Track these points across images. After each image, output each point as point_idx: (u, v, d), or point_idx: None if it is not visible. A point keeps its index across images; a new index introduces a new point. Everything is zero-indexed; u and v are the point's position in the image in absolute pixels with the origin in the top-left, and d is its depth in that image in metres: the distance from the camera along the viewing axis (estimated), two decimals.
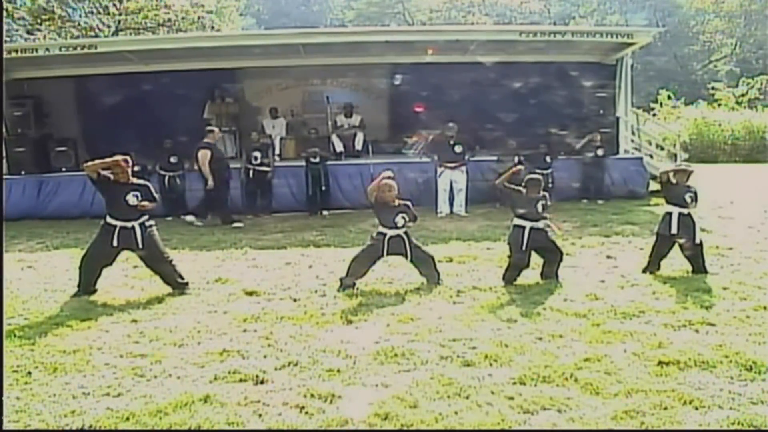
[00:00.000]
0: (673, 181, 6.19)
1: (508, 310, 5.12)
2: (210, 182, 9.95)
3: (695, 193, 6.12)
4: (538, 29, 14.21)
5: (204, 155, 9.95)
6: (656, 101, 24.90)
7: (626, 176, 12.24)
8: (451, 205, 10.76)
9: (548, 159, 11.41)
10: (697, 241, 6.09)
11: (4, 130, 11.50)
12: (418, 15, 36.09)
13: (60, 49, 11.45)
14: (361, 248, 6.08)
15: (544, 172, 10.83)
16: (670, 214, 6.10)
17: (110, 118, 12.44)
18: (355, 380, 3.82)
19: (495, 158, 11.59)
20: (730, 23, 35.39)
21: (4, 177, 10.95)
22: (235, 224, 10.03)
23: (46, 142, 11.89)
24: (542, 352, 4.19)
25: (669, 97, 24.88)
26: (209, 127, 10.31)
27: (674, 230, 6.03)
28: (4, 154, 11.44)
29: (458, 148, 10.69)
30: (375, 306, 5.28)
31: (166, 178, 11.13)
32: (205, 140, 10.17)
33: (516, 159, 10.97)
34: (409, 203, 6.02)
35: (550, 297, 5.45)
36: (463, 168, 10.76)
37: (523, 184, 6.06)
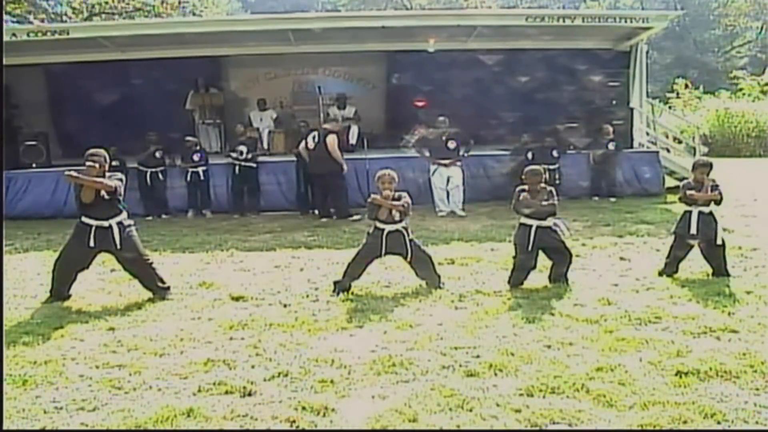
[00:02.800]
0: (691, 179, 6.20)
1: (513, 315, 5.12)
2: (345, 167, 10.37)
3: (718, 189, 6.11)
4: (546, 14, 14.22)
5: (333, 140, 10.28)
6: (672, 90, 24.93)
7: (640, 172, 12.26)
8: (448, 203, 10.83)
9: (555, 153, 11.46)
10: (719, 242, 6.10)
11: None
12: None
13: (28, 35, 11.40)
14: (357, 249, 6.08)
15: (551, 167, 10.92)
16: (689, 212, 6.11)
17: (84, 110, 12.45)
18: (350, 392, 3.82)
19: (507, 152, 11.67)
20: (755, 4, 35.31)
21: None
22: (354, 218, 10.16)
23: (14, 136, 11.85)
24: (551, 361, 4.19)
25: (686, 86, 24.91)
26: (332, 116, 10.54)
27: (694, 230, 6.04)
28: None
29: (452, 144, 10.65)
30: (371, 312, 5.28)
31: (148, 174, 11.12)
32: (326, 126, 10.57)
33: (530, 155, 11.01)
34: (403, 193, 5.99)
35: (560, 302, 5.46)
36: (458, 164, 10.73)
37: (522, 177, 6.07)
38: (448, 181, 10.67)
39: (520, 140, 11.64)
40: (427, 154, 10.81)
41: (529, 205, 5.90)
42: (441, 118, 10.72)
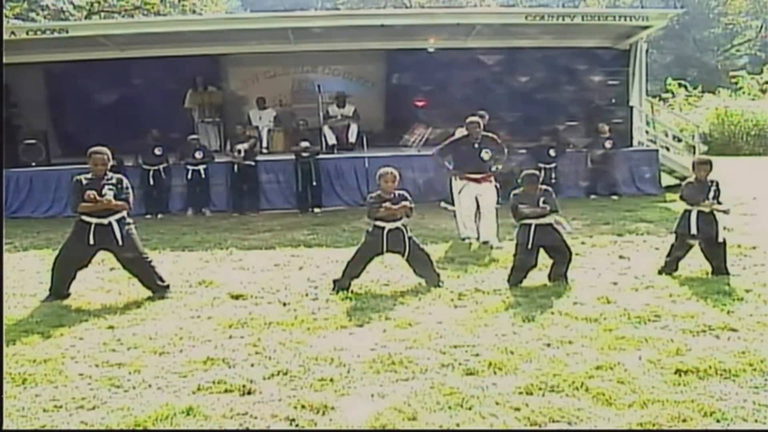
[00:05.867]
0: (692, 179, 6.22)
1: (513, 314, 5.13)
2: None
3: (718, 188, 6.11)
4: (546, 12, 14.25)
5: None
6: (667, 91, 24.92)
7: (639, 170, 12.30)
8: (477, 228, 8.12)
9: (551, 153, 11.48)
10: (720, 240, 6.10)
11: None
12: None
13: (27, 33, 11.40)
14: (356, 247, 6.09)
15: (548, 166, 10.95)
16: (689, 212, 6.10)
17: (84, 109, 12.44)
18: (350, 390, 3.82)
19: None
20: (755, 3, 35.25)
21: None
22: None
23: (13, 135, 11.83)
24: (550, 359, 4.20)
25: (680, 85, 24.89)
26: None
27: (694, 230, 6.04)
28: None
29: (486, 154, 7.92)
30: (371, 310, 5.28)
31: (150, 172, 11.12)
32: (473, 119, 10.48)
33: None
34: (405, 193, 6.01)
35: (559, 300, 5.46)
36: (492, 180, 8.03)
37: (519, 180, 6.09)
38: (477, 202, 7.98)
39: (517, 140, 11.69)
40: (447, 162, 8.32)
41: (526, 212, 5.92)
42: (474, 119, 8.10)
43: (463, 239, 7.97)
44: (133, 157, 11.19)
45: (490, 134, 8.16)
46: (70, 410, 3.62)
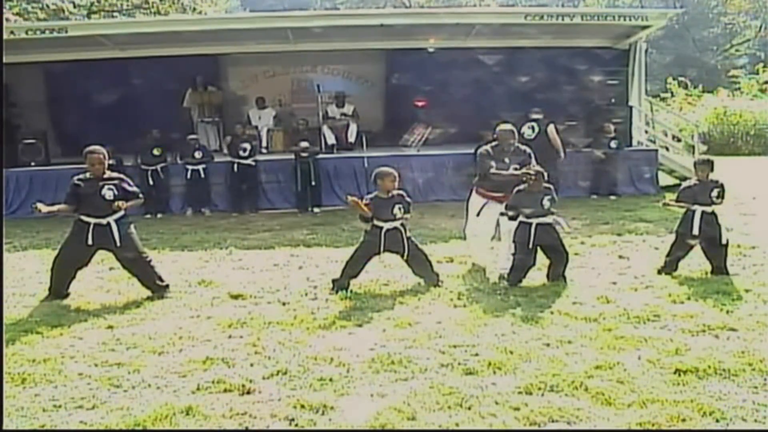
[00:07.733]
0: (694, 179, 6.22)
1: (512, 313, 5.12)
2: (563, 156, 10.85)
3: (722, 188, 6.11)
4: (545, 12, 14.24)
5: (553, 129, 10.69)
6: (666, 90, 24.92)
7: (638, 170, 12.28)
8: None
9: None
10: (723, 242, 6.09)
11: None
12: None
13: (27, 33, 11.39)
14: (355, 247, 6.09)
15: None
16: (692, 212, 6.09)
17: (83, 108, 12.44)
18: (349, 390, 3.82)
19: None
20: (755, 3, 35.24)
21: None
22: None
23: (12, 135, 11.83)
24: (550, 359, 4.20)
25: (679, 85, 24.90)
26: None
27: (696, 230, 6.03)
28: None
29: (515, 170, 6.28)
30: (370, 310, 5.28)
31: (149, 172, 11.12)
32: (536, 116, 10.90)
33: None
34: (403, 192, 6.02)
35: (558, 300, 5.46)
36: None
37: (523, 179, 6.08)
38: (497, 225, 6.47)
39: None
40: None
41: (527, 213, 5.92)
42: (507, 126, 6.59)
43: (490, 275, 6.32)
44: (133, 156, 11.19)
45: (521, 146, 6.61)
46: (70, 410, 3.62)
